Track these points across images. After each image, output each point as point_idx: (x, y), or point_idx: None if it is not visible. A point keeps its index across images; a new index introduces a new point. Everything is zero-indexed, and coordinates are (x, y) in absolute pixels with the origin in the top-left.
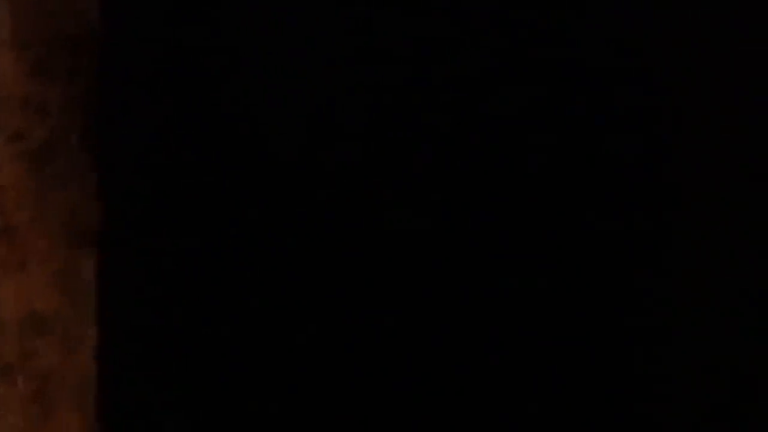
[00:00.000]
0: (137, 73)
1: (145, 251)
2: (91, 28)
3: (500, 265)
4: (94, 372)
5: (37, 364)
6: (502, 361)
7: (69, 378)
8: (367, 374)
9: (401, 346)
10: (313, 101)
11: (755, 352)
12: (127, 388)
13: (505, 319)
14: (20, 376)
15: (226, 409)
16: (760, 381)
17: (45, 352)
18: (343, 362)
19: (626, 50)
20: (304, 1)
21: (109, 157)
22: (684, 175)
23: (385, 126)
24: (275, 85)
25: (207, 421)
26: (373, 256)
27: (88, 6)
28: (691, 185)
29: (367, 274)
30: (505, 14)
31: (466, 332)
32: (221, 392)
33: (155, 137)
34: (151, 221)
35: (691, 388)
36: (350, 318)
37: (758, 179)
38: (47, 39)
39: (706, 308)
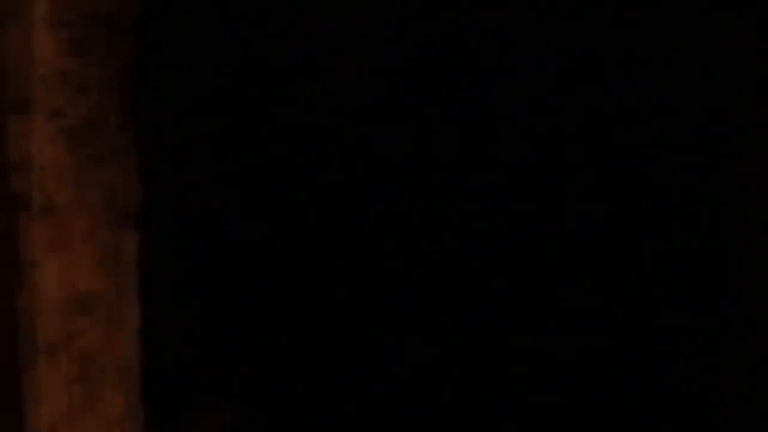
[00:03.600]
0: (175, 52)
1: (186, 231)
2: (128, 7)
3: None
4: (136, 352)
5: (81, 345)
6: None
7: (112, 358)
8: (391, 346)
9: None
10: (338, 87)
11: None
12: (169, 368)
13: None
14: (64, 357)
15: (268, 388)
16: None
17: (88, 332)
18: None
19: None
20: None
21: (150, 136)
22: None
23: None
24: (312, 70)
25: (249, 400)
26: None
27: None
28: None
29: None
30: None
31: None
32: (263, 371)
33: (194, 116)
34: (192, 201)
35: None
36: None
37: None
38: (85, 17)
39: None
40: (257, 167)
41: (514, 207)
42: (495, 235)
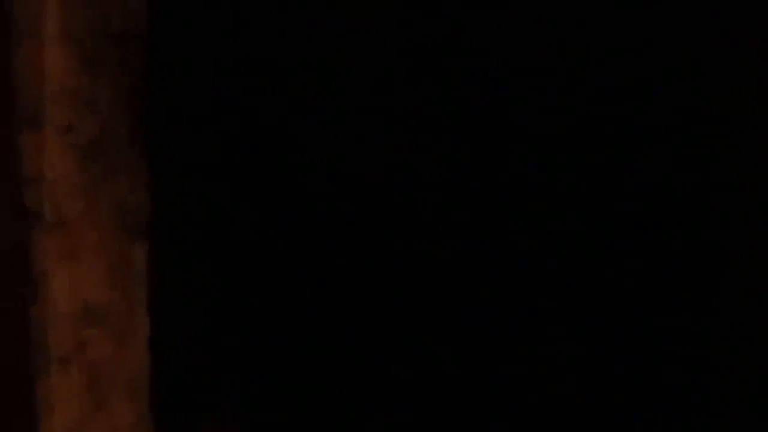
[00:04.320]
0: (184, 68)
1: (195, 242)
2: (138, 24)
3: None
4: (146, 362)
5: (91, 355)
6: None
7: (122, 368)
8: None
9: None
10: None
11: None
12: (178, 379)
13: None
14: (75, 367)
15: (276, 401)
16: None
17: (98, 343)
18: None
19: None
20: None
21: (159, 150)
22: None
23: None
24: (321, 82)
25: (259, 412)
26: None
27: (135, 3)
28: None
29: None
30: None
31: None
32: (271, 383)
33: (203, 130)
34: (201, 213)
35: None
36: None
37: None
38: (95, 36)
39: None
40: (265, 180)
41: (513, 207)
42: (492, 235)
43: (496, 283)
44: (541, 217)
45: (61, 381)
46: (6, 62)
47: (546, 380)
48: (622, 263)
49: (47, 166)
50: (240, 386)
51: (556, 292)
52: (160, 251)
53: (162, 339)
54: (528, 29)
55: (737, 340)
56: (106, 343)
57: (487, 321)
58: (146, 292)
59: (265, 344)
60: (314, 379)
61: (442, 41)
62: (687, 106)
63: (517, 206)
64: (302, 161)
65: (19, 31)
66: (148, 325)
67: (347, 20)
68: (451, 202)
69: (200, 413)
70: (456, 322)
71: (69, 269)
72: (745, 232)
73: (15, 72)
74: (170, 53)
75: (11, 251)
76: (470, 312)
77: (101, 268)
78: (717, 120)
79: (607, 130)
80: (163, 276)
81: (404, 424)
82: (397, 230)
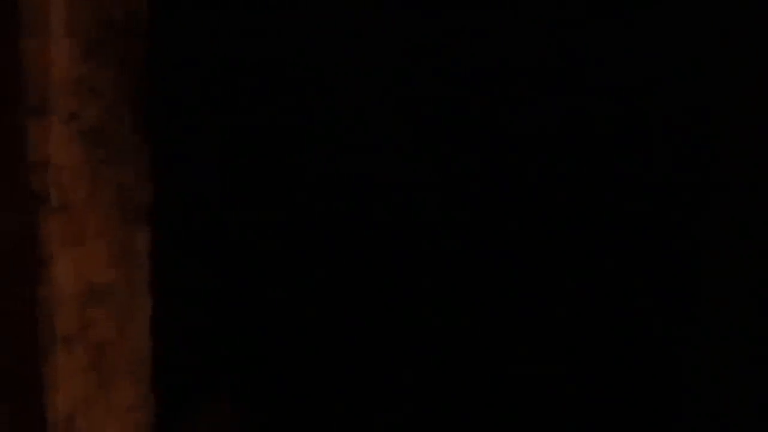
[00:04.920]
0: (185, 57)
1: (196, 226)
2: (141, 14)
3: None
4: (148, 344)
5: (95, 335)
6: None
7: (125, 349)
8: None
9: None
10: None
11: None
12: (181, 361)
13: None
14: (79, 346)
15: (278, 380)
16: None
17: (102, 324)
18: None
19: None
20: None
21: (160, 137)
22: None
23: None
24: (318, 71)
25: (259, 392)
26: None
27: None
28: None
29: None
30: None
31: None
32: (274, 363)
33: (203, 117)
34: (201, 197)
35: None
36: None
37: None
38: (99, 25)
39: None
40: (268, 164)
41: (507, 208)
42: (484, 235)
43: (489, 284)
44: (536, 218)
45: (65, 360)
46: (12, 52)
47: (542, 380)
48: (618, 263)
49: (52, 152)
50: (242, 371)
51: (554, 291)
52: (162, 235)
53: (164, 321)
54: (528, 29)
55: (729, 340)
56: (110, 324)
57: (484, 321)
58: (148, 275)
59: (268, 328)
60: (318, 364)
61: (443, 41)
62: (681, 107)
63: (512, 206)
64: (308, 149)
65: (24, 22)
66: (150, 307)
67: (353, 17)
68: (451, 201)
69: (202, 394)
70: (455, 322)
71: (73, 252)
72: (737, 231)
73: (21, 61)
74: (174, 42)
75: (18, 234)
76: (469, 311)
77: (105, 251)
78: (714, 120)
79: (605, 130)
80: (166, 259)
81: (404, 422)
82: (400, 227)
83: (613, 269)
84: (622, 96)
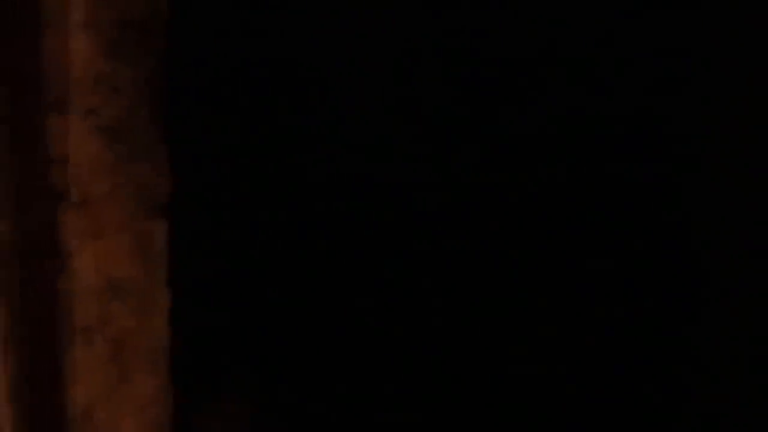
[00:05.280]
0: (203, 55)
1: (214, 221)
2: (159, 11)
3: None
4: (167, 336)
5: (114, 328)
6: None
7: (144, 341)
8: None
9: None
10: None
11: None
12: (198, 352)
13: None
14: (99, 339)
15: (297, 371)
16: None
17: (121, 317)
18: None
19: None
20: None
21: (178, 133)
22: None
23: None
24: (335, 71)
25: (278, 384)
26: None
27: None
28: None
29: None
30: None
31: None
32: (292, 355)
33: (221, 114)
34: (219, 192)
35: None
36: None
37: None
38: (118, 22)
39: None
40: (285, 160)
41: (502, 207)
42: (484, 235)
43: (489, 283)
44: (537, 218)
45: (85, 353)
46: (33, 50)
47: (542, 380)
48: (617, 263)
49: (72, 147)
50: (260, 364)
51: (554, 291)
52: (180, 230)
53: (182, 314)
54: (528, 29)
55: (729, 340)
56: (129, 316)
57: (484, 320)
58: (167, 269)
59: (286, 323)
60: (334, 358)
61: (446, 42)
62: (682, 106)
63: (512, 206)
64: (321, 141)
65: (45, 20)
66: (168, 301)
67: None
68: (453, 201)
69: (220, 388)
70: (458, 321)
71: (93, 246)
72: (737, 231)
73: (41, 58)
74: (192, 41)
75: (39, 228)
76: (470, 311)
77: (124, 245)
78: (714, 120)
79: (604, 129)
80: (184, 254)
81: (415, 413)
82: (405, 225)
83: (613, 269)
84: (622, 95)
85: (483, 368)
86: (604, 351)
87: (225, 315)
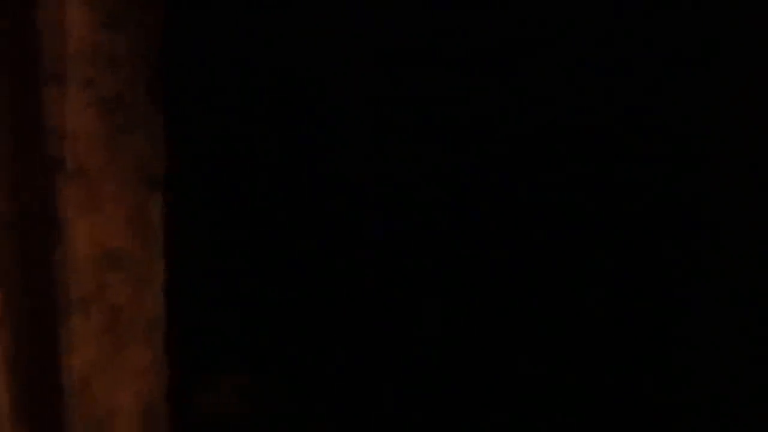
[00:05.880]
0: (202, 27)
1: (210, 193)
2: None
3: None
4: (162, 308)
5: (110, 299)
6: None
7: (139, 313)
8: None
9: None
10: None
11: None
12: (194, 324)
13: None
14: (94, 309)
15: (293, 344)
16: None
17: (117, 288)
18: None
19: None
20: None
21: (175, 105)
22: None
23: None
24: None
25: (274, 356)
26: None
27: None
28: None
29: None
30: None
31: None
32: (288, 327)
33: (218, 86)
34: (215, 164)
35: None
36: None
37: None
38: None
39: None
40: (283, 133)
41: (501, 207)
42: (483, 236)
43: (489, 283)
44: (536, 217)
45: (81, 323)
46: (31, 21)
47: (542, 380)
48: (617, 263)
49: (69, 119)
50: (257, 336)
51: (554, 291)
52: (176, 201)
53: (178, 286)
54: (529, 29)
55: (728, 340)
56: (125, 287)
57: (483, 319)
58: (163, 240)
59: (283, 295)
60: (334, 330)
61: (449, 42)
62: (677, 107)
63: (512, 206)
64: (320, 113)
65: None
66: (164, 272)
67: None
68: (453, 201)
69: (216, 359)
70: (456, 320)
71: (89, 217)
72: (736, 231)
73: (39, 30)
74: (191, 13)
75: (36, 200)
76: (469, 310)
77: (120, 217)
78: (713, 120)
79: (604, 128)
80: (180, 225)
81: (416, 387)
82: (405, 222)
83: (613, 269)
84: (622, 94)
85: (479, 365)
86: (603, 351)
87: (221, 287)
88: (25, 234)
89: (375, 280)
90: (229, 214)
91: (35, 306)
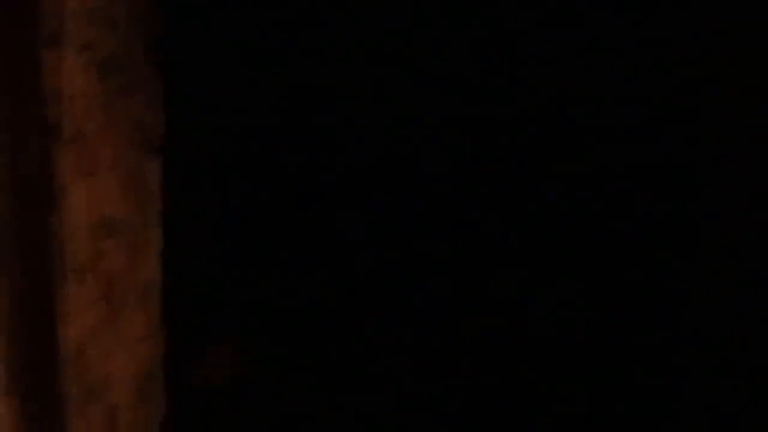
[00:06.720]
0: None
1: (208, 158)
2: None
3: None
4: (159, 275)
5: (106, 266)
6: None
7: (136, 280)
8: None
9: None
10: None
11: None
12: (190, 291)
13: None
14: (90, 277)
15: (286, 311)
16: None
17: (113, 255)
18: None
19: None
20: None
21: (173, 68)
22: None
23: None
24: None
25: (268, 325)
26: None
27: None
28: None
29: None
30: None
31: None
32: (283, 295)
33: (217, 48)
34: (214, 129)
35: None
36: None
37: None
38: None
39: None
40: (280, 98)
41: (501, 207)
42: (482, 236)
43: (488, 283)
44: (536, 217)
45: (77, 290)
46: None
47: (542, 380)
48: (616, 262)
49: (66, 82)
50: (252, 305)
51: (554, 290)
52: (174, 168)
53: (175, 253)
54: (530, 30)
55: (727, 340)
56: (121, 254)
57: (483, 319)
58: (160, 206)
59: (279, 264)
60: (327, 302)
61: (453, 42)
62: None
63: (511, 205)
64: (321, 78)
65: None
66: (161, 238)
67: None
68: (452, 200)
69: (212, 328)
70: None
71: (86, 183)
72: (734, 231)
73: None
74: None
75: (32, 164)
76: (468, 309)
77: (117, 182)
78: (712, 119)
79: (603, 129)
80: (177, 192)
81: (414, 354)
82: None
83: (612, 269)
84: (622, 94)
85: (480, 367)
86: (602, 349)
87: (218, 255)
88: (21, 200)
89: (373, 254)
90: (227, 181)
91: (31, 273)
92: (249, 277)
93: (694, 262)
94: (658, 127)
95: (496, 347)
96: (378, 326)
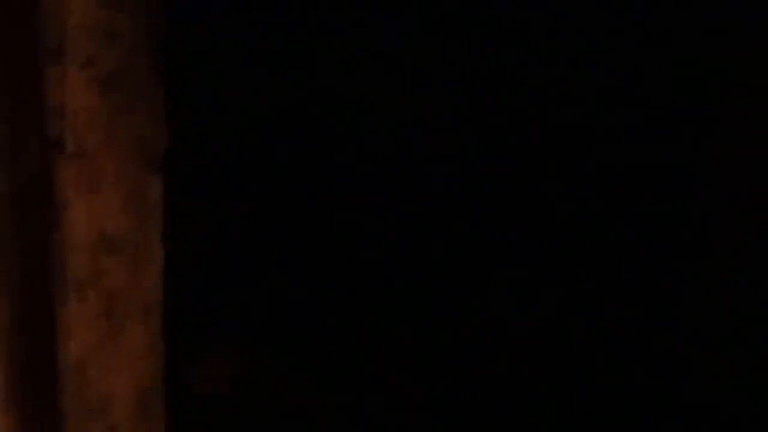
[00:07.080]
0: (203, 5)
1: (210, 174)
2: None
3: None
4: (160, 291)
5: (108, 282)
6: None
7: (136, 296)
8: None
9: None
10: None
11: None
12: (191, 306)
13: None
14: (92, 293)
15: (289, 327)
16: None
17: (115, 271)
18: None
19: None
20: None
21: (176, 84)
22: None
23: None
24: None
25: (269, 340)
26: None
27: None
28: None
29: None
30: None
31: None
32: (284, 309)
33: (220, 64)
34: (216, 146)
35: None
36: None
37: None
38: None
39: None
40: (283, 114)
41: (501, 207)
42: (481, 236)
43: (488, 283)
44: (536, 217)
45: (78, 306)
46: None
47: (541, 380)
48: (616, 262)
49: (68, 97)
50: (253, 318)
51: (554, 290)
52: (175, 182)
53: (176, 269)
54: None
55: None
56: (122, 270)
57: (482, 318)
58: (161, 223)
59: (280, 276)
60: (329, 311)
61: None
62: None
63: (511, 205)
64: (320, 95)
65: None
66: (162, 255)
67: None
68: (452, 200)
69: (213, 343)
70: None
71: (88, 198)
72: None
73: (39, 6)
74: None
75: (34, 180)
76: (467, 309)
77: (119, 198)
78: (712, 119)
79: (604, 128)
80: (179, 208)
81: (415, 352)
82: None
83: (612, 269)
84: (621, 93)
85: (479, 366)
86: (603, 349)
87: (219, 269)
88: (23, 216)
89: (371, 261)
90: (227, 196)
91: (32, 289)
92: (249, 291)
93: (694, 262)
94: (659, 128)
95: (496, 347)
96: (378, 326)
